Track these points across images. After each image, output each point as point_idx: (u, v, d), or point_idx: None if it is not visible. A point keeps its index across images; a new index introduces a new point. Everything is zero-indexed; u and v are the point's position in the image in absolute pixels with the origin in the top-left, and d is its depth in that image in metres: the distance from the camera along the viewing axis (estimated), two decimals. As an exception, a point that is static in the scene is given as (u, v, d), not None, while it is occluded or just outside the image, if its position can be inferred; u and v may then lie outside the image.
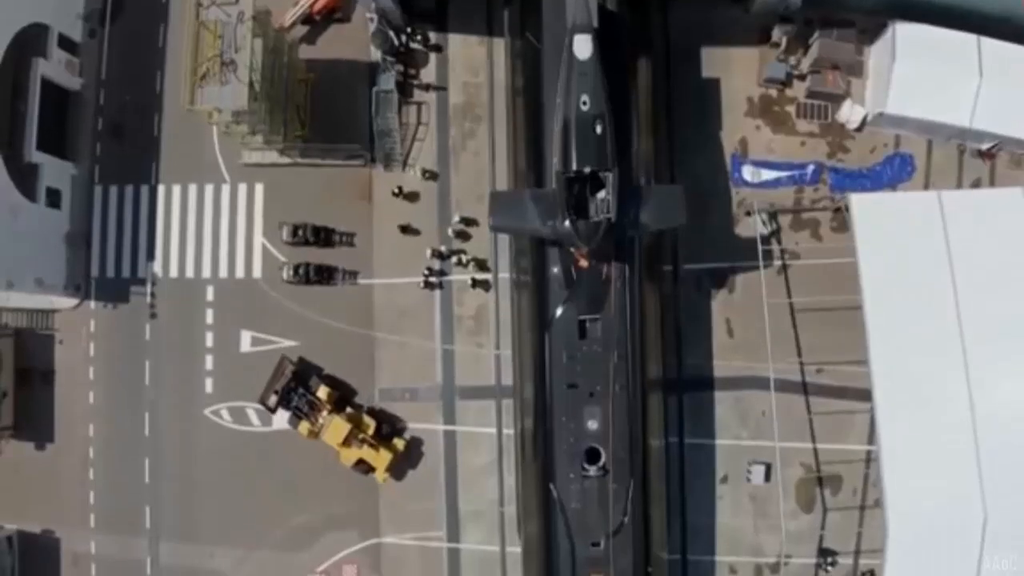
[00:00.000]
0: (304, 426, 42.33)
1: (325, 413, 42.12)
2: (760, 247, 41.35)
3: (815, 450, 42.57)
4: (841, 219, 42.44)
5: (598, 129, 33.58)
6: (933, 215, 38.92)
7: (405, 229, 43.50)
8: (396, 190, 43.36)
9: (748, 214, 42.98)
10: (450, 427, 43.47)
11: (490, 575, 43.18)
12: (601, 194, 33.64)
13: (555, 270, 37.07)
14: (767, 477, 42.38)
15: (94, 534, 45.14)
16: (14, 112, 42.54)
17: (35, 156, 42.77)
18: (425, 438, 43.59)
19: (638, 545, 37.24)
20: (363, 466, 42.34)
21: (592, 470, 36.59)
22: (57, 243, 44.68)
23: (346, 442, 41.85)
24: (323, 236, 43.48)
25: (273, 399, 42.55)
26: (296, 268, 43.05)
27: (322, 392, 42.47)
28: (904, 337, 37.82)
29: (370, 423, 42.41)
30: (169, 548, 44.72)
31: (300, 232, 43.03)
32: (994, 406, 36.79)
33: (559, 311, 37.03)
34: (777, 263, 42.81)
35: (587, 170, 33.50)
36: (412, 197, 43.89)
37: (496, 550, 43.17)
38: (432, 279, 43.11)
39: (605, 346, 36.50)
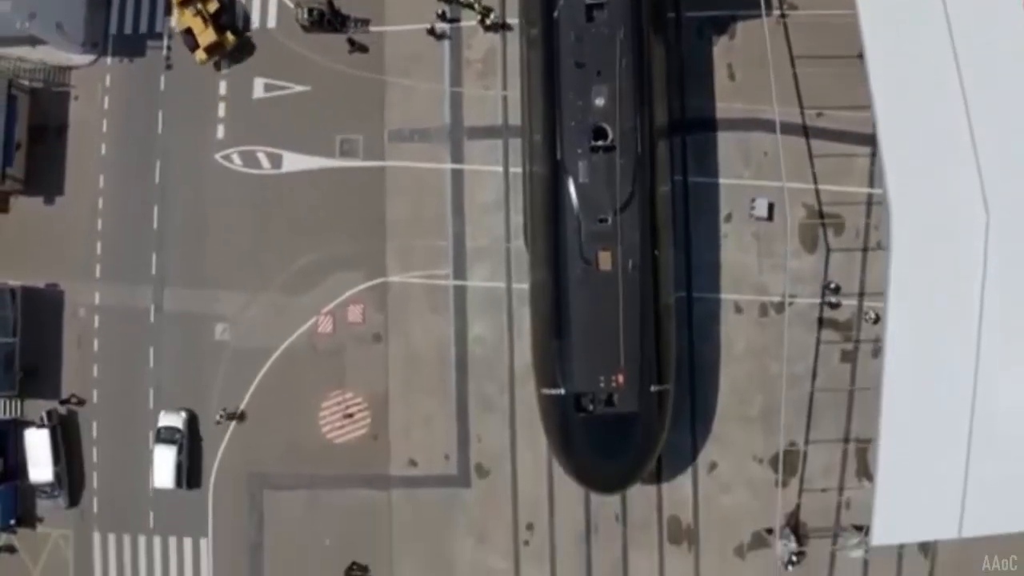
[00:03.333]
0: None
1: None
2: (761, -10, 42.77)
3: (817, 191, 43.24)
4: (837, -27, 44.05)
5: None
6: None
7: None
8: None
9: (747, -37, 44.54)
10: (457, 166, 44.07)
11: (496, 311, 43.41)
12: None
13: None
14: (770, 213, 42.94)
15: (99, 284, 45.35)
16: None
17: (58, -100, 44.28)
18: (432, 177, 44.16)
19: (645, 221, 37.59)
20: (189, 39, 44.22)
21: (600, 144, 37.28)
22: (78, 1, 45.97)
23: (187, 3, 43.97)
24: (337, -22, 44.85)
25: None
26: (311, 10, 44.16)
27: None
28: (905, 79, 38.62)
29: (216, 3, 44.58)
30: (173, 294, 44.85)
31: (315, -28, 44.35)
32: (995, 122, 37.39)
33: (564, -1, 38.22)
34: (776, 12, 44.16)
35: None
36: None
37: (502, 286, 43.39)
38: (441, 24, 44.23)
39: (611, 26, 37.57)
